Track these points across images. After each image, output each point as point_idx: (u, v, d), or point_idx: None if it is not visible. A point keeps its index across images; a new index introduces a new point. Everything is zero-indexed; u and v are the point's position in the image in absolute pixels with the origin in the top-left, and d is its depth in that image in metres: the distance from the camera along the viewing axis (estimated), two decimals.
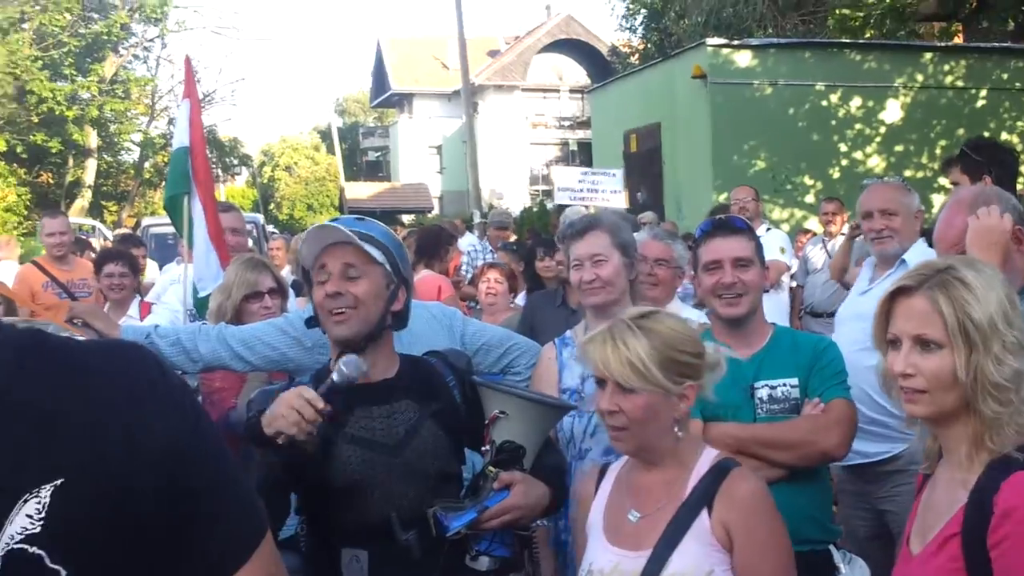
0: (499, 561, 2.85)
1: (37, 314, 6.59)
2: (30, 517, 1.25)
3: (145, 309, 6.30)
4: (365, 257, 2.91)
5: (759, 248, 3.67)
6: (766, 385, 3.41)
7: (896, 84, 16.33)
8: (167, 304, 5.50)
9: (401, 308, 3.01)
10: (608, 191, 12.50)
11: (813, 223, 13.36)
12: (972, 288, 2.17)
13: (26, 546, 1.25)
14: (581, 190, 12.58)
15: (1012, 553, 1.99)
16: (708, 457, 2.69)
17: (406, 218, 45.52)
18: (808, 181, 16.02)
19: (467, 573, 2.84)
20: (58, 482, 1.26)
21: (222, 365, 3.69)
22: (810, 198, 15.46)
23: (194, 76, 5.65)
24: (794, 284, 9.75)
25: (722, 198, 15.44)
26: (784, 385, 3.43)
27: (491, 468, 2.84)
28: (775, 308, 7.76)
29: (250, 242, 13.15)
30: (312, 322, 3.04)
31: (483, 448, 2.93)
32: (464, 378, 3.05)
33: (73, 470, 1.28)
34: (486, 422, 2.94)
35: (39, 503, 1.25)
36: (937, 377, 2.19)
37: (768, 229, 8.79)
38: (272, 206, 53.84)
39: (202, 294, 4.90)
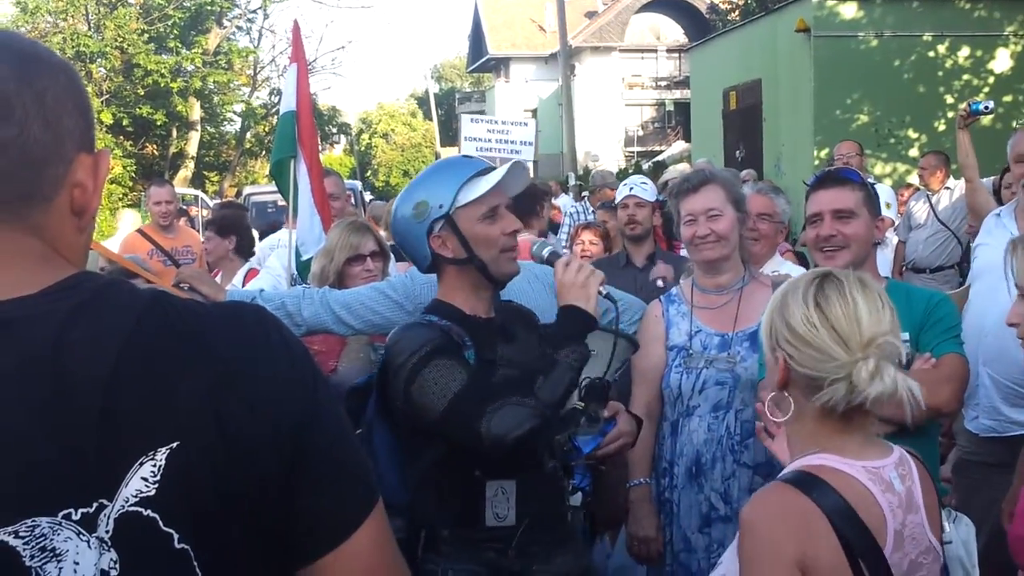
0: (585, 497, 2.99)
1: (145, 281, 6.80)
2: (145, 480, 1.25)
3: (252, 276, 6.36)
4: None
5: (869, 199, 3.55)
6: None
7: (1006, 33, 15.83)
8: (270, 268, 5.55)
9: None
10: (519, 142, 11.98)
11: (917, 177, 13.04)
12: None
13: (140, 509, 1.25)
14: (489, 140, 12.03)
15: None
16: None
17: None
18: (913, 134, 15.65)
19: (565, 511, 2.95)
20: (174, 445, 1.26)
21: (324, 329, 3.71)
22: (914, 152, 15.09)
23: (302, 41, 5.68)
24: (896, 239, 9.55)
25: (823, 154, 15.18)
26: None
27: (588, 404, 2.91)
28: (879, 264, 7.68)
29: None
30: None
31: (582, 384, 2.96)
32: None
33: (189, 433, 1.27)
34: None
35: (154, 466, 1.25)
36: None
37: (872, 184, 8.60)
38: (369, 173, 54.44)
39: (304, 257, 4.95)
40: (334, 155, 55.39)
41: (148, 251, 8.15)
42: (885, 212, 7.95)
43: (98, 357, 1.24)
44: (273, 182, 5.48)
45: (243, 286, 5.89)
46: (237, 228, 7.22)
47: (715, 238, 3.67)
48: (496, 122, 12.48)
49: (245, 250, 7.05)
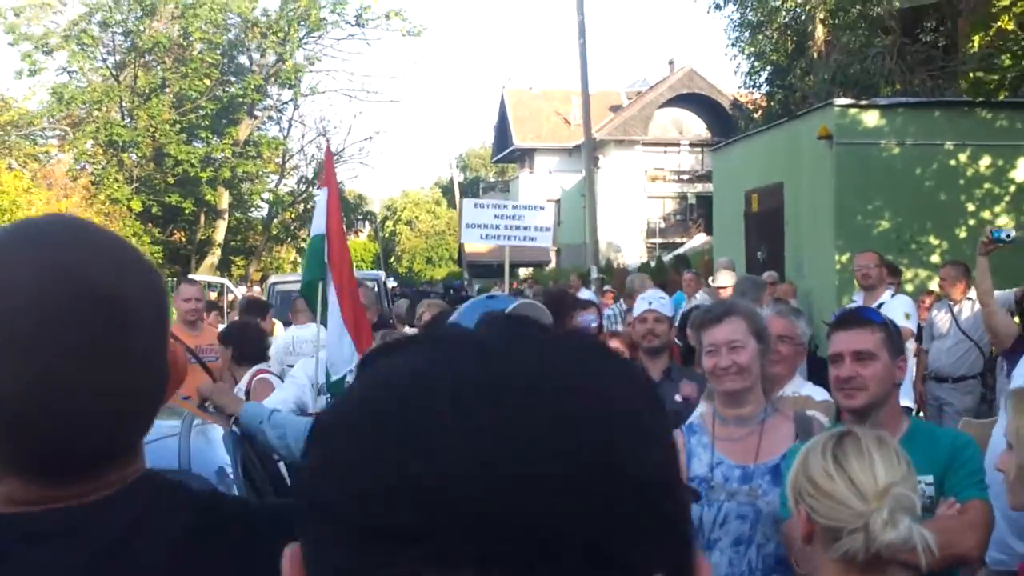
0: None
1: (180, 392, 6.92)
2: None
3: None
4: None
5: (890, 339, 3.58)
6: None
7: None
8: (295, 378, 5.58)
9: None
10: (534, 228, 11.20)
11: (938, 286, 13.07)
12: None
13: None
14: (497, 227, 11.16)
15: None
16: None
17: (523, 271, 45.84)
18: (934, 241, 15.68)
19: None
20: None
21: None
22: (936, 258, 15.12)
23: (333, 167, 5.85)
24: (917, 348, 9.59)
25: (844, 258, 15.24)
26: (919, 483, 3.33)
27: None
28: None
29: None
30: None
31: None
32: None
33: None
34: None
35: None
36: None
37: (893, 295, 8.68)
38: (393, 259, 54.79)
39: (334, 378, 5.06)
40: (359, 241, 55.87)
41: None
42: (905, 323, 8.00)
43: (145, 566, 1.24)
44: (299, 270, 5.61)
45: (247, 387, 6.02)
46: (234, 337, 7.27)
47: (737, 370, 3.70)
48: (504, 206, 11.71)
49: (248, 355, 7.07)
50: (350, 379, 5.62)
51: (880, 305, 8.12)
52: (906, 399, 7.99)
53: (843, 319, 3.66)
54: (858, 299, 8.79)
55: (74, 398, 1.18)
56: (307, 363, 5.50)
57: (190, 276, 17.86)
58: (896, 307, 8.21)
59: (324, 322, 4.98)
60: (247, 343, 7.13)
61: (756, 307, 5.33)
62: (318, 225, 5.12)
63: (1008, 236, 6.79)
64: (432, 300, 10.69)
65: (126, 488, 1.27)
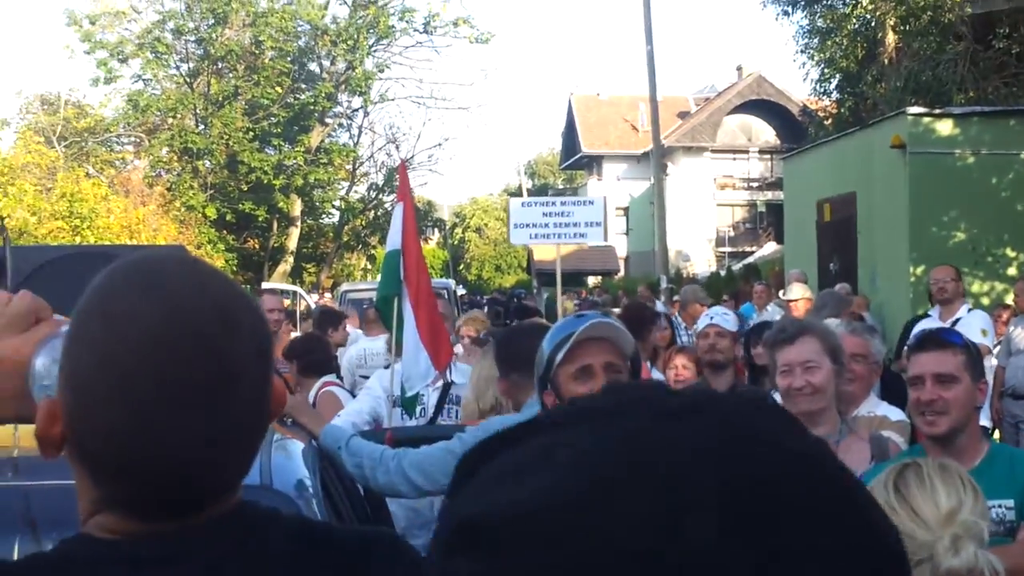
0: None
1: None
2: None
3: (326, 396, 6.45)
4: (622, 354, 3.09)
5: (972, 361, 3.55)
6: None
7: None
8: (371, 390, 5.66)
9: None
10: (583, 223, 10.78)
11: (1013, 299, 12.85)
12: None
13: None
14: (546, 225, 10.80)
15: None
16: None
17: (591, 279, 45.78)
18: (1011, 253, 15.41)
19: None
20: None
21: (395, 493, 3.91)
22: (1012, 270, 14.88)
23: (408, 181, 5.90)
24: (995, 363, 9.43)
25: (919, 271, 15.03)
26: (999, 507, 3.32)
27: None
28: None
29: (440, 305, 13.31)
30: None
31: None
32: None
33: None
34: None
35: None
36: None
37: (969, 310, 8.56)
38: (462, 267, 55.00)
39: (409, 393, 5.11)
40: (428, 248, 56.20)
41: None
42: (981, 339, 7.91)
43: None
44: (369, 278, 5.62)
45: (313, 400, 6.10)
46: (298, 350, 7.34)
47: (811, 390, 3.69)
48: (553, 203, 11.28)
49: (314, 367, 7.03)
50: (424, 394, 5.72)
51: (957, 320, 8.05)
52: (983, 417, 7.90)
53: (924, 340, 3.62)
54: (933, 314, 8.68)
55: (179, 447, 1.22)
56: (383, 375, 5.56)
57: (264, 285, 18.07)
58: (973, 322, 8.13)
59: (399, 338, 5.02)
60: (312, 355, 7.23)
61: (871, 330, 5.35)
62: (393, 240, 5.16)
63: None
64: (472, 314, 10.39)
65: (222, 519, 1.30)
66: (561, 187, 66.95)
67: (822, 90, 29.14)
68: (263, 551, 1.32)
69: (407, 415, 5.25)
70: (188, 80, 37.58)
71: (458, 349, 8.04)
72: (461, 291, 31.76)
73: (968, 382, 3.49)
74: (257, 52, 37.34)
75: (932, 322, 8.05)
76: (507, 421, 4.01)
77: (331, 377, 6.95)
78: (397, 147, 41.99)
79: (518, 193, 53.78)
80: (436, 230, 54.39)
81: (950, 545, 2.15)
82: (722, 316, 6.28)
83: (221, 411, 1.24)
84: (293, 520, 1.41)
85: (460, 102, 70.98)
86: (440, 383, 5.75)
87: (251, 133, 36.08)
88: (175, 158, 35.90)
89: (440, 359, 5.12)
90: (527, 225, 10.85)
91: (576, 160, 57.64)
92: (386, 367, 5.98)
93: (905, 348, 3.82)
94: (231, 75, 37.86)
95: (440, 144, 47.53)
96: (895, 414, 4.60)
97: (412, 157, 44.88)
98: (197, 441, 1.22)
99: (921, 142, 15.60)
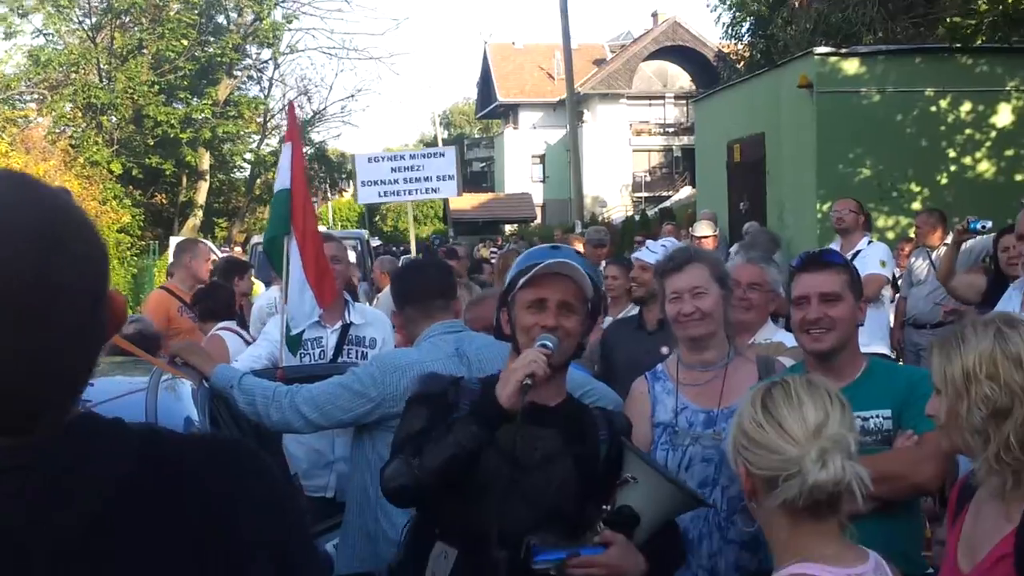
0: None
1: (170, 339, 6.80)
2: None
3: (213, 339, 6.43)
4: (581, 294, 3.07)
5: (853, 281, 3.64)
6: (858, 416, 3.36)
7: (1008, 88, 15.87)
8: (268, 335, 5.59)
9: (588, 337, 3.22)
10: (435, 177, 10.12)
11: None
12: (957, 341, 2.43)
13: None
14: (396, 181, 10.12)
15: None
16: None
17: (508, 227, 45.80)
18: (915, 188, 15.69)
19: None
20: None
21: (289, 429, 3.91)
22: (917, 205, 15.13)
23: (296, 122, 5.77)
24: (897, 295, 9.59)
25: (826, 207, 15.23)
26: (876, 417, 3.41)
27: (601, 525, 2.90)
28: (874, 322, 7.73)
29: (352, 255, 13.06)
30: (500, 335, 3.20)
31: (605, 506, 2.98)
32: (615, 438, 3.12)
33: None
34: (617, 482, 3.02)
35: None
36: None
37: (870, 242, 8.63)
38: (378, 218, 54.58)
39: (294, 332, 5.02)
40: (343, 200, 55.63)
41: (178, 308, 8.15)
42: (880, 270, 8.04)
43: (74, 512, 1.26)
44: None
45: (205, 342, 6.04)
46: (198, 297, 7.41)
47: (700, 315, 3.71)
48: (401, 157, 10.61)
49: (212, 313, 7.08)
50: (323, 336, 5.61)
51: (857, 252, 8.11)
52: (883, 346, 8.02)
53: (808, 261, 3.66)
54: (835, 246, 8.76)
55: None
56: (278, 319, 5.48)
57: (172, 240, 17.72)
58: (872, 254, 8.21)
59: (287, 277, 4.93)
60: (211, 301, 7.19)
61: (768, 259, 5.38)
62: (282, 180, 5.04)
63: (984, 227, 6.92)
64: (384, 258, 10.21)
65: (57, 434, 1.29)
66: (478, 136, 66.83)
67: (734, 34, 29.30)
68: (102, 462, 1.31)
69: (291, 353, 5.17)
70: (91, 34, 36.59)
71: (363, 290, 7.99)
72: (376, 242, 31.53)
73: (851, 300, 3.57)
74: (162, 4, 36.44)
75: None
76: (404, 355, 3.98)
77: (229, 323, 6.87)
78: (309, 99, 41.47)
79: (434, 144, 53.49)
80: (351, 182, 53.80)
81: (817, 458, 2.17)
82: (647, 251, 6.22)
83: (36, 328, 1.23)
84: (136, 430, 1.39)
85: (373, 52, 69.90)
86: (339, 324, 5.68)
87: (157, 87, 35.32)
88: (79, 114, 34.99)
89: (324, 297, 5.04)
90: (375, 182, 10.12)
91: (492, 109, 57.44)
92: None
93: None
94: (135, 28, 36.93)
95: (353, 96, 47.11)
96: (792, 340, 4.59)
97: (325, 109, 44.32)
98: (6, 356, 1.22)
99: (828, 82, 15.76)
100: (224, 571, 1.32)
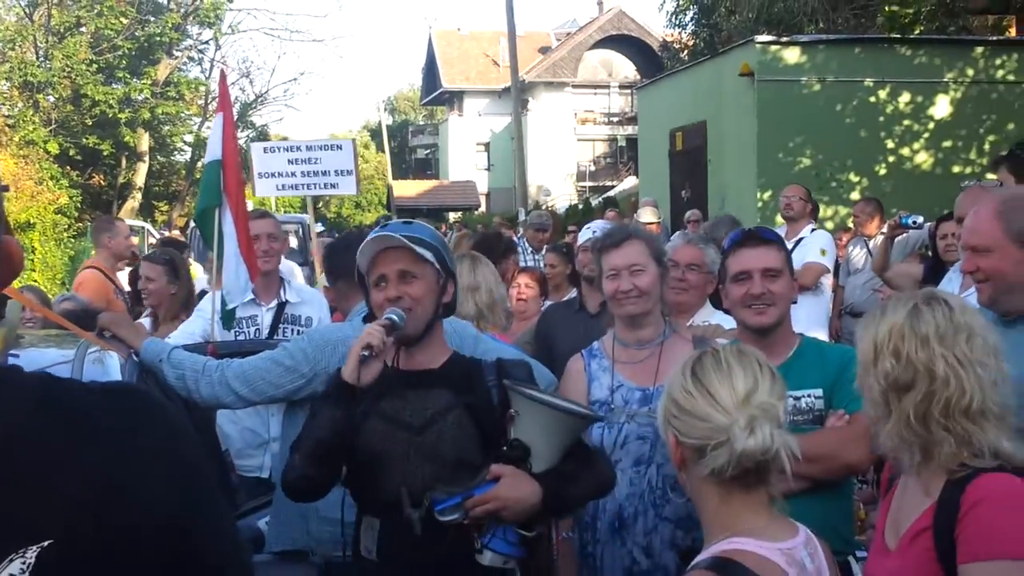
0: (502, 558, 2.96)
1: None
2: None
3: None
4: (417, 259, 3.13)
5: (789, 259, 3.68)
6: (790, 395, 3.35)
7: (946, 79, 16.10)
8: (202, 311, 5.51)
9: (450, 299, 3.27)
10: (334, 172, 9.63)
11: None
12: (875, 315, 2.50)
13: None
14: (293, 174, 9.60)
15: (970, 529, 2.22)
16: None
17: (452, 215, 45.69)
18: (854, 178, 15.87)
19: (475, 565, 2.97)
20: (46, 543, 1.24)
21: (220, 405, 3.86)
22: (855, 195, 15.29)
23: (228, 90, 5.67)
24: (834, 283, 9.66)
25: (766, 196, 15.37)
26: (808, 396, 3.43)
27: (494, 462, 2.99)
28: (814, 310, 7.77)
29: (293, 241, 12.81)
30: (369, 319, 3.26)
31: (502, 445, 3.04)
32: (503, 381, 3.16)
33: (64, 531, 1.25)
34: (505, 420, 3.06)
35: (24, 563, 1.23)
36: None
37: (813, 230, 8.64)
38: (321, 204, 54.21)
39: (229, 306, 4.97)
40: None
41: (114, 292, 7.93)
42: (821, 259, 8.03)
43: None
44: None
45: None
46: (133, 278, 7.17)
47: (637, 293, 3.70)
48: (298, 148, 9.94)
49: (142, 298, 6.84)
50: (258, 314, 5.55)
51: (800, 240, 8.13)
52: (823, 334, 8.07)
53: (747, 237, 3.68)
54: (780, 232, 8.80)
55: None
56: (212, 296, 5.40)
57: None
58: (814, 242, 8.21)
59: (219, 250, 4.85)
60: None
61: (706, 240, 5.35)
62: (213, 151, 4.95)
63: (915, 222, 7.05)
64: (325, 241, 10.09)
65: None
66: (422, 123, 66.54)
67: (678, 22, 29.43)
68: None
69: (225, 328, 5.09)
70: (28, 11, 35.88)
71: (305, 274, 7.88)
72: (319, 228, 31.27)
73: (788, 277, 3.61)
74: None
75: None
76: (336, 330, 3.96)
77: None
78: (251, 82, 41.02)
79: (378, 130, 53.23)
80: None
81: (745, 426, 2.14)
82: (588, 230, 6.21)
83: None
84: (32, 377, 1.34)
85: (315, 35, 69.26)
86: (274, 303, 5.64)
87: (95, 66, 34.73)
88: (16, 92, 34.31)
89: (253, 272, 4.99)
90: (273, 175, 9.42)
91: (437, 96, 57.24)
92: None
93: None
94: (74, 6, 36.26)
95: (296, 79, 46.57)
96: (729, 322, 4.58)
97: (267, 92, 43.85)
98: None
99: (769, 70, 15.87)
100: (120, 517, 1.28)
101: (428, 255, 3.14)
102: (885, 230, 8.78)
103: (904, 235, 8.15)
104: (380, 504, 3.07)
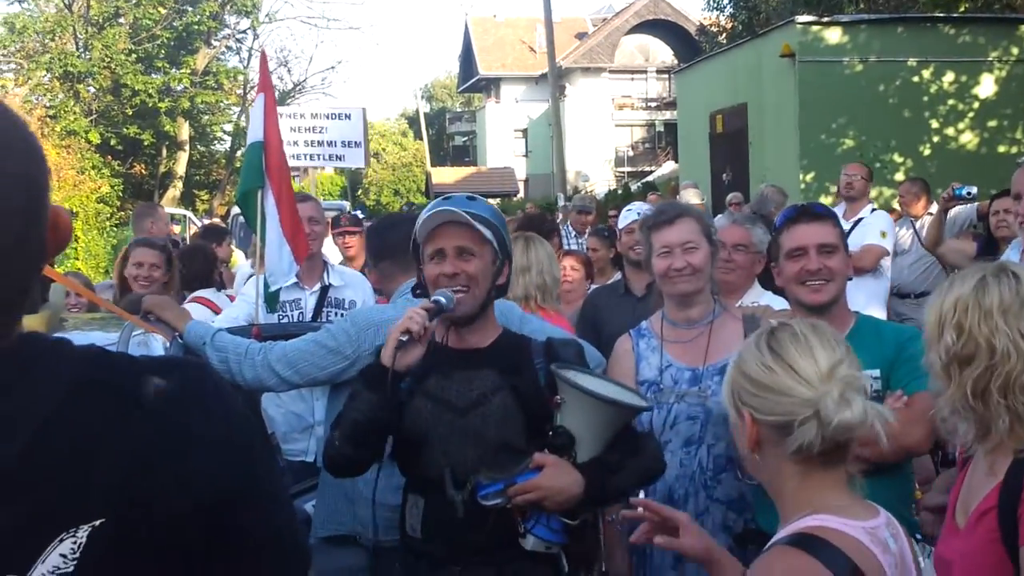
0: (545, 544, 2.94)
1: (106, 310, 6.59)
2: (64, 556, 1.21)
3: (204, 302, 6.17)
4: (478, 237, 3.08)
5: (843, 235, 3.62)
6: None
7: (991, 58, 15.86)
8: (245, 296, 5.49)
9: (504, 281, 3.22)
10: (340, 143, 9.02)
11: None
12: (945, 288, 2.45)
13: None
14: (296, 143, 8.94)
15: None
16: None
17: (491, 202, 45.58)
18: (898, 159, 15.67)
19: (518, 548, 2.95)
20: (97, 523, 1.23)
21: (265, 388, 3.88)
22: (900, 176, 15.13)
23: (269, 71, 5.62)
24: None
25: (808, 177, 15.20)
26: (865, 376, 3.35)
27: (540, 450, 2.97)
28: (874, 292, 7.69)
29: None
30: (420, 294, 3.23)
31: (547, 430, 3.00)
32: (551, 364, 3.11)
33: (115, 510, 1.24)
34: (552, 407, 3.02)
35: (75, 543, 1.22)
36: None
37: (873, 210, 8.45)
38: (360, 192, 54.38)
39: (272, 288, 4.94)
40: (325, 174, 55.31)
41: None
42: (881, 241, 7.89)
43: (16, 431, 1.21)
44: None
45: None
46: (183, 259, 7.01)
47: (691, 271, 3.63)
48: (303, 116, 9.40)
49: (194, 277, 6.80)
50: (302, 298, 5.52)
51: (859, 220, 8.02)
52: (880, 313, 7.93)
53: (803, 212, 3.62)
54: (838, 211, 8.68)
55: None
56: (255, 281, 5.38)
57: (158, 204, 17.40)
58: (875, 223, 8.05)
59: (263, 232, 4.81)
60: (193, 265, 6.91)
61: (754, 220, 5.29)
62: (255, 132, 4.91)
63: (970, 193, 6.91)
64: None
65: (3, 350, 1.25)
66: (459, 110, 66.49)
67: (716, 5, 29.18)
68: (45, 381, 1.25)
69: (269, 311, 5.09)
70: (67, 2, 36.14)
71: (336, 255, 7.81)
72: (359, 214, 31.35)
73: (844, 252, 3.55)
74: None
75: None
76: (380, 311, 3.94)
77: (205, 293, 6.62)
78: (289, 70, 41.14)
79: (416, 118, 53.34)
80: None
81: (839, 398, 2.06)
82: (629, 212, 6.15)
83: None
84: (85, 350, 1.33)
85: (352, 22, 69.26)
86: (318, 286, 5.62)
87: (134, 56, 34.97)
88: (57, 83, 34.64)
89: (299, 254, 4.93)
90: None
91: (474, 83, 57.16)
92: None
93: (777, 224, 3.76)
94: None
95: (333, 67, 46.69)
96: (779, 303, 4.53)
97: (305, 80, 43.93)
98: None
99: (810, 51, 15.71)
100: (173, 494, 1.27)
101: (488, 234, 3.09)
102: (933, 209, 8.66)
103: (952, 213, 8.01)
104: (425, 482, 3.05)
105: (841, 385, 2.08)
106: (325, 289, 5.64)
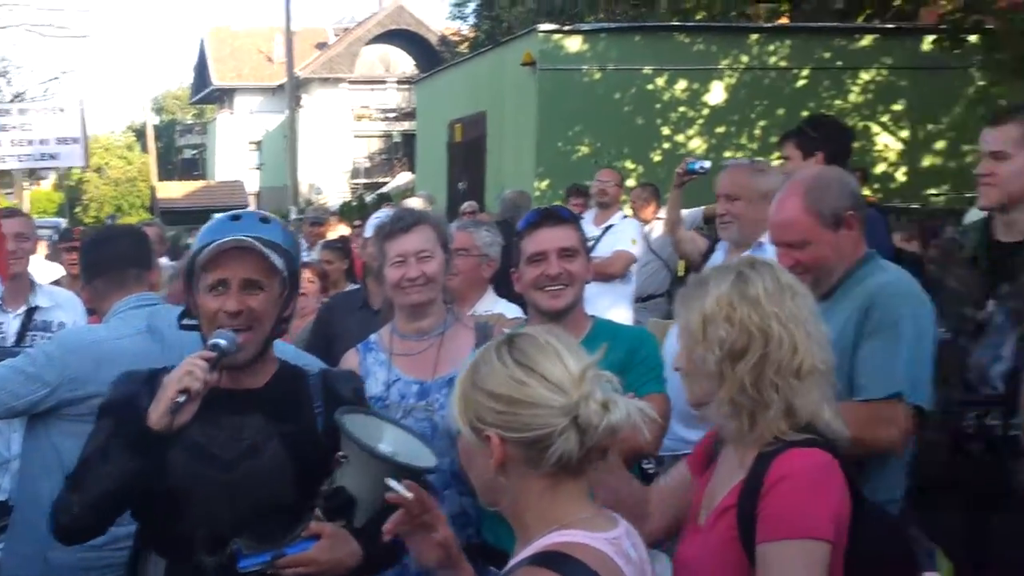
0: None
1: None
2: None
3: None
4: (268, 267, 2.66)
5: (584, 238, 3.63)
6: None
7: (721, 66, 16.42)
8: None
9: (290, 314, 2.83)
10: (54, 140, 8.25)
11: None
12: (698, 289, 2.40)
13: None
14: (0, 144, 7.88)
15: (770, 508, 2.17)
16: None
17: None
18: (630, 165, 15.95)
19: None
20: None
21: None
22: (631, 182, 15.28)
23: None
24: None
25: (543, 185, 15.22)
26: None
27: (318, 514, 2.54)
28: (621, 295, 7.69)
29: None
30: (185, 320, 2.82)
31: (323, 488, 2.55)
32: (331, 407, 2.69)
33: None
34: (333, 462, 2.60)
35: None
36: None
37: (624, 217, 8.53)
38: (79, 208, 51.49)
39: None
40: (41, 191, 51.99)
41: None
42: (631, 248, 7.86)
43: None
44: None
45: None
46: None
47: (424, 281, 3.55)
48: (8, 112, 8.19)
49: None
50: (3, 321, 5.19)
51: (610, 226, 8.01)
52: (627, 319, 7.77)
53: (543, 217, 3.55)
54: (588, 217, 8.48)
55: None
56: None
57: None
58: (626, 230, 8.05)
59: None
60: None
61: (478, 225, 5.29)
62: None
63: (702, 168, 6.87)
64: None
65: None
66: (191, 122, 64.37)
67: (459, 15, 29.33)
68: None
69: None
70: None
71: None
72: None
73: (584, 257, 3.55)
74: None
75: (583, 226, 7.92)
76: (88, 332, 3.76)
77: None
78: (8, 81, 38.62)
79: (143, 131, 51.15)
80: (52, 171, 50.46)
81: (601, 401, 1.97)
82: (369, 226, 6.01)
83: None
84: None
85: (79, 30, 65.92)
86: (23, 308, 5.34)
87: None
88: None
89: (2, 272, 4.78)
90: None
91: (207, 94, 55.68)
92: None
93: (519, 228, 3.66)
94: None
95: (56, 78, 44.24)
96: (513, 311, 4.56)
97: (25, 91, 41.33)
98: None
99: (551, 59, 15.94)
100: None
101: (280, 263, 2.64)
102: (662, 214, 8.60)
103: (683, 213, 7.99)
104: (169, 541, 2.64)
105: (597, 387, 2.00)
106: (31, 311, 5.34)
